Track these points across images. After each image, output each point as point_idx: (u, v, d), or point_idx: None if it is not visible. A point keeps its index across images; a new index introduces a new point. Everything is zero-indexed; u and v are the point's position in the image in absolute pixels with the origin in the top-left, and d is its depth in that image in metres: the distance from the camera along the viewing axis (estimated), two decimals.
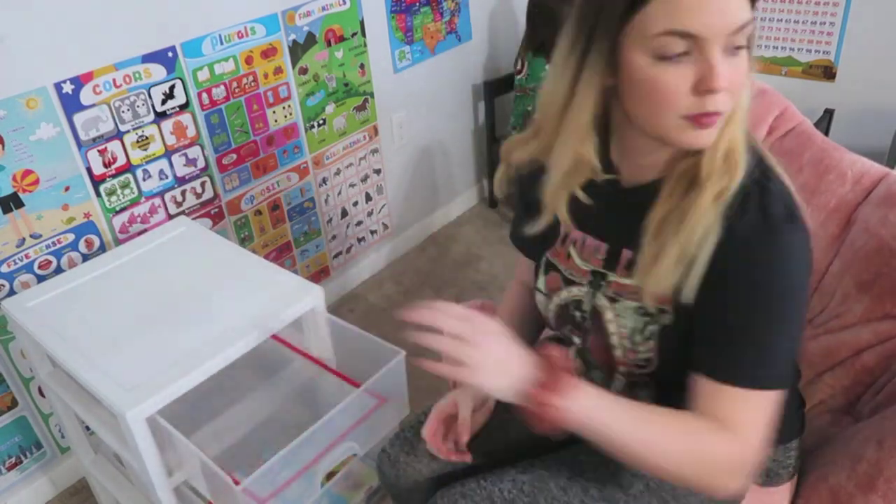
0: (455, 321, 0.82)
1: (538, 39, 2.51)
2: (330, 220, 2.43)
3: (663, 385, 0.94)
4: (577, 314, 0.99)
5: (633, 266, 0.89)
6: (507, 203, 2.32)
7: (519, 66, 2.59)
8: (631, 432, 0.81)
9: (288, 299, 1.35)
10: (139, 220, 1.85)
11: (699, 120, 0.76)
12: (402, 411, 1.38)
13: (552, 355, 0.84)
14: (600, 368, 1.02)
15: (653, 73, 0.75)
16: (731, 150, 0.80)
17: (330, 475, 1.33)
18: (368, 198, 2.56)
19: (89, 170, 1.70)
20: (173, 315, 1.34)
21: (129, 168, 1.78)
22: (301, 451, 1.19)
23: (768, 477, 1.06)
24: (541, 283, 1.04)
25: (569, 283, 0.99)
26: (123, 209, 1.81)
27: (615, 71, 0.78)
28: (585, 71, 0.79)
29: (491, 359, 0.81)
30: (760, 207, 0.78)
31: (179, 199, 1.93)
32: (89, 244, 1.75)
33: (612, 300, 0.93)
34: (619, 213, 0.90)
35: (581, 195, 0.91)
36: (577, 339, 1.02)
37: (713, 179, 0.80)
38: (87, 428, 1.60)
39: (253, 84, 2.00)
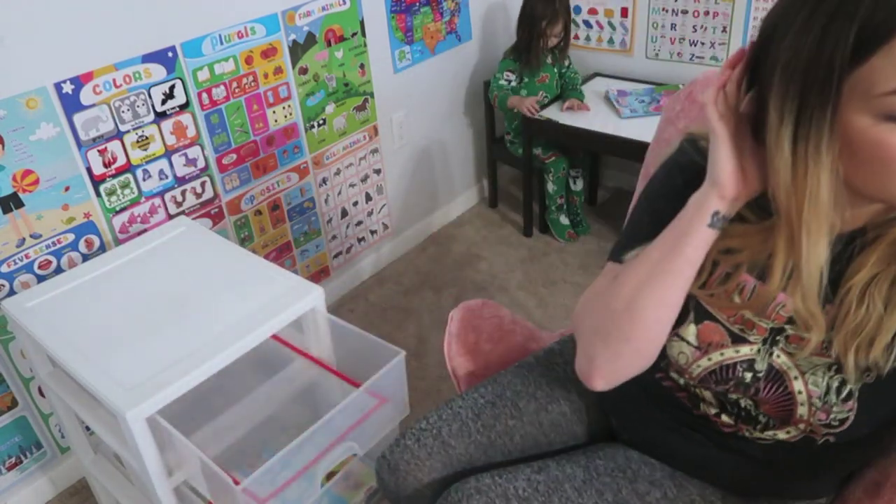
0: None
1: (517, 42, 2.65)
2: (330, 220, 2.43)
3: (854, 439, 0.85)
4: (749, 375, 0.87)
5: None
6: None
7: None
8: None
9: (288, 299, 1.35)
10: (139, 220, 1.85)
11: None
12: (402, 411, 1.38)
13: None
14: (769, 422, 0.90)
15: (881, 136, 0.65)
16: None
17: (330, 476, 1.33)
18: (368, 198, 2.55)
19: (89, 170, 1.70)
20: (173, 315, 1.34)
21: (129, 168, 1.78)
22: (301, 451, 1.19)
23: None
24: (689, 333, 0.90)
25: (738, 339, 0.87)
26: (123, 209, 1.80)
27: (835, 133, 0.67)
28: (808, 143, 0.68)
29: None
30: None
31: (179, 199, 1.93)
32: (89, 244, 1.75)
33: (791, 355, 0.84)
34: None
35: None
36: (738, 398, 0.91)
37: None
38: (87, 428, 1.60)
39: (253, 84, 2.00)
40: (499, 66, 2.66)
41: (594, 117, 2.51)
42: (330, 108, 2.26)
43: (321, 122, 2.25)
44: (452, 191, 2.97)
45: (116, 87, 1.69)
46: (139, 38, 1.71)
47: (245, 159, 2.06)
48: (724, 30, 2.49)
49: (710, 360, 0.89)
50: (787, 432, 0.88)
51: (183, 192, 1.93)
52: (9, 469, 1.77)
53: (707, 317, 0.89)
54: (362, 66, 2.32)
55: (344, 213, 2.48)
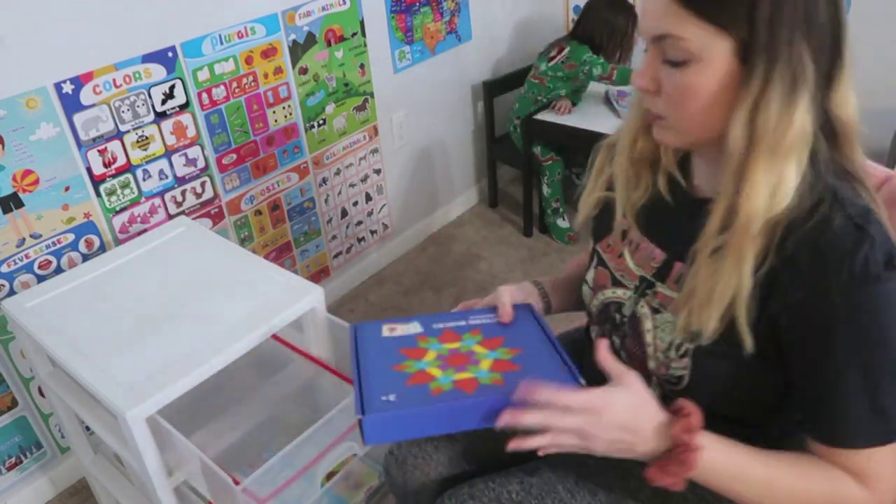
0: (562, 419, 0.75)
1: (586, 36, 2.53)
2: (330, 220, 2.43)
3: (698, 404, 0.87)
4: (617, 316, 0.96)
5: (681, 281, 0.85)
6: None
7: (554, 53, 2.57)
8: (766, 480, 0.77)
9: (288, 299, 1.35)
10: (139, 220, 1.85)
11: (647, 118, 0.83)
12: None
13: (682, 406, 0.79)
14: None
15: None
16: (777, 184, 0.73)
17: (330, 476, 1.33)
18: (368, 198, 2.56)
19: (89, 170, 1.70)
20: (173, 315, 1.34)
21: (129, 168, 1.78)
22: (301, 451, 1.19)
23: None
24: (589, 277, 1.02)
25: (616, 283, 0.97)
26: (123, 209, 1.80)
27: None
28: None
29: (614, 434, 0.76)
30: (862, 256, 0.71)
31: (179, 199, 1.93)
32: (89, 244, 1.75)
33: (655, 311, 0.90)
34: (681, 222, 0.86)
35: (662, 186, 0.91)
36: (615, 340, 0.98)
37: (747, 225, 0.74)
38: (87, 428, 1.60)
39: (253, 84, 2.00)
40: (579, 50, 2.50)
41: (594, 117, 2.51)
42: (330, 108, 2.27)
43: (321, 122, 2.25)
44: (452, 191, 2.97)
45: (116, 87, 1.69)
46: (139, 38, 1.71)
47: (245, 159, 2.07)
48: None
49: (597, 299, 1.00)
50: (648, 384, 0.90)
51: (183, 192, 1.93)
52: (9, 469, 1.77)
53: (601, 263, 1.00)
54: (362, 66, 2.32)
55: (344, 213, 2.48)
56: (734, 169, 0.75)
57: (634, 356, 0.94)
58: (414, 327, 1.00)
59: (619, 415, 0.76)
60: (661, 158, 0.92)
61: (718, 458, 0.77)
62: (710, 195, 0.84)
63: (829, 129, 0.77)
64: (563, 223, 2.77)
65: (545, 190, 2.73)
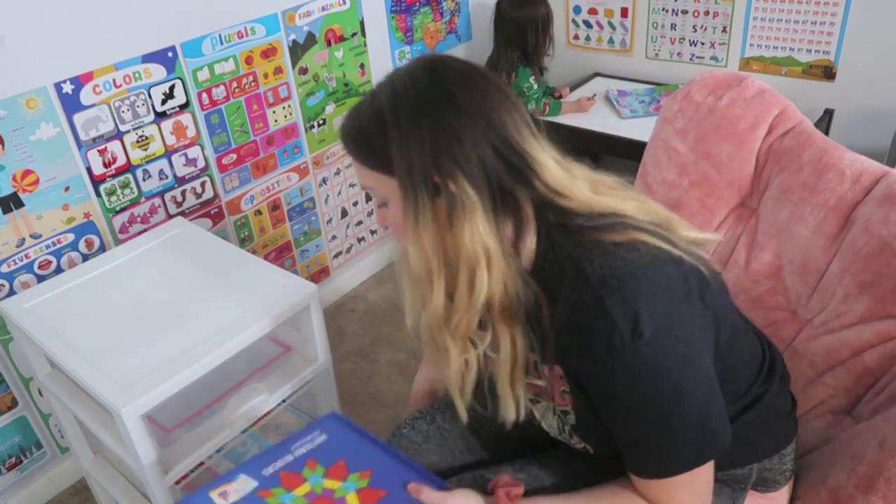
0: None
1: (518, 49, 2.54)
2: (330, 220, 2.43)
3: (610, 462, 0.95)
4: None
5: (539, 369, 0.93)
6: None
7: (506, 79, 2.54)
8: None
9: (283, 297, 1.36)
10: (139, 220, 1.85)
11: None
12: (311, 361, 1.44)
13: (500, 500, 0.90)
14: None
15: None
16: (465, 292, 0.83)
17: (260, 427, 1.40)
18: (369, 198, 2.55)
19: (89, 170, 1.70)
20: (170, 314, 1.35)
21: (129, 168, 1.78)
22: (207, 389, 1.29)
23: (766, 485, 1.06)
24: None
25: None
26: (123, 209, 1.81)
27: None
28: None
29: None
30: (605, 333, 0.77)
31: (179, 199, 1.93)
32: (89, 244, 1.75)
33: (534, 401, 0.98)
34: None
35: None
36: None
37: (430, 330, 0.89)
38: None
39: (253, 84, 2.00)
40: (522, 76, 2.53)
41: (594, 117, 2.51)
42: (330, 108, 2.27)
43: (321, 122, 2.25)
44: None
45: (116, 87, 1.69)
46: (139, 38, 1.71)
47: (245, 159, 2.07)
48: (724, 30, 2.49)
49: None
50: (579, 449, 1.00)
51: (183, 192, 1.93)
52: (9, 469, 1.77)
53: None
54: (362, 66, 2.32)
55: (344, 213, 2.48)
56: (423, 285, 0.86)
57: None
58: (247, 483, 0.93)
59: None
60: None
61: None
62: None
63: (555, 210, 0.84)
64: None
65: None
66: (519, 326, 0.86)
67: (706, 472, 0.85)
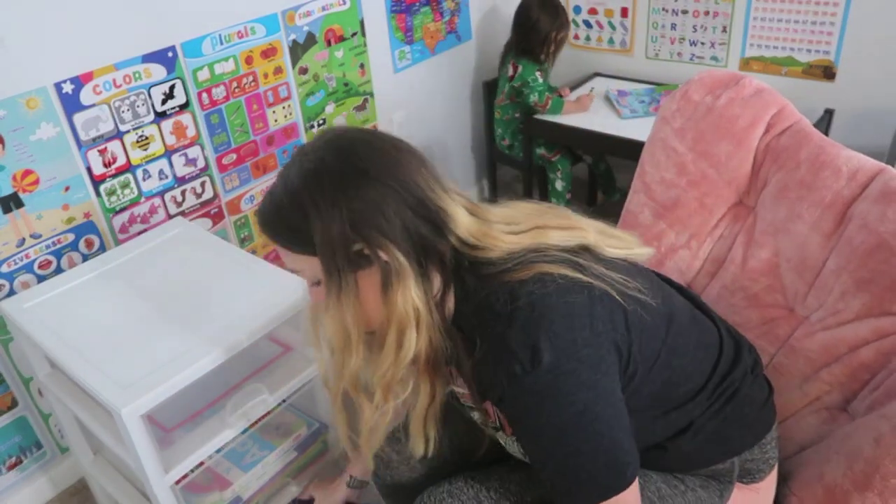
0: None
1: (522, 45, 2.55)
2: None
3: None
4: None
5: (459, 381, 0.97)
6: None
7: (511, 72, 2.57)
8: None
9: (283, 297, 1.36)
10: (139, 220, 1.85)
11: None
12: (311, 361, 1.43)
13: None
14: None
15: None
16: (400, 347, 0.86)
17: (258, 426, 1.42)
18: None
19: (89, 170, 1.71)
20: (170, 314, 1.35)
21: (129, 168, 1.79)
22: (208, 389, 1.31)
23: (752, 475, 1.06)
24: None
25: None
26: (123, 209, 1.81)
27: None
28: None
29: None
30: (505, 362, 0.80)
31: (179, 199, 1.93)
32: (89, 244, 1.76)
33: (495, 429, 1.02)
34: None
35: None
36: None
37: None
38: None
39: (253, 84, 2.00)
40: (527, 70, 2.51)
41: (594, 117, 2.51)
42: (330, 108, 2.27)
43: (321, 121, 2.26)
44: None
45: (116, 87, 1.69)
46: (139, 38, 1.71)
47: (245, 159, 2.07)
48: (724, 30, 2.49)
49: None
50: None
51: (183, 192, 1.94)
52: (9, 469, 1.77)
53: None
54: (362, 65, 2.32)
55: None
56: (339, 352, 0.90)
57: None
58: None
59: None
60: None
61: None
62: None
63: (468, 258, 0.87)
64: None
65: (559, 185, 2.69)
66: (440, 376, 0.91)
67: (633, 493, 0.84)
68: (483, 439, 1.13)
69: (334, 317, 0.86)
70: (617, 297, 0.84)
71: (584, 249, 0.89)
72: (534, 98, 2.49)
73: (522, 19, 2.54)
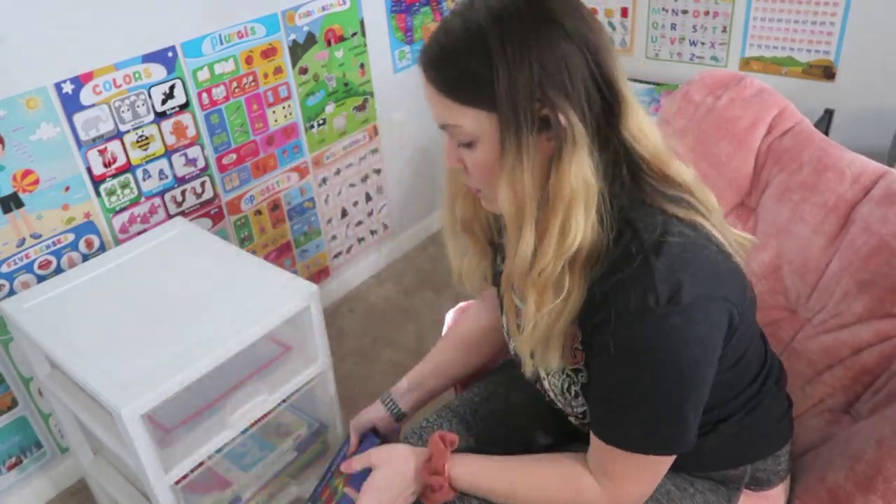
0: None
1: None
2: (330, 220, 2.43)
3: None
4: (527, 373, 0.99)
5: None
6: None
7: None
8: (510, 487, 0.93)
9: (282, 297, 1.36)
10: (139, 220, 1.85)
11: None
12: (311, 360, 1.44)
13: (434, 444, 0.96)
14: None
15: None
16: (562, 234, 0.78)
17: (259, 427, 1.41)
18: (368, 198, 2.56)
19: (89, 170, 1.70)
20: (170, 314, 1.35)
21: (129, 168, 1.78)
22: (207, 389, 1.30)
23: (760, 485, 1.06)
24: (503, 322, 1.04)
25: (510, 333, 1.01)
26: (123, 209, 1.81)
27: None
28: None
29: (388, 497, 0.97)
30: (642, 288, 0.75)
31: (179, 199, 1.93)
32: (89, 244, 1.76)
33: None
34: None
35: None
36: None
37: (516, 276, 0.82)
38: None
39: (253, 84, 2.00)
40: None
41: None
42: (330, 108, 2.27)
43: (321, 121, 2.25)
44: None
45: (116, 87, 1.69)
46: (139, 38, 1.71)
47: (245, 159, 2.07)
48: (724, 30, 2.49)
49: (510, 346, 1.05)
50: (574, 422, 1.00)
51: (183, 192, 1.93)
52: (9, 469, 1.77)
53: (503, 310, 1.01)
54: (362, 65, 2.32)
55: (344, 213, 2.48)
56: (510, 230, 0.80)
57: (550, 400, 1.01)
58: None
59: (384, 487, 0.97)
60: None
61: (464, 483, 0.95)
62: None
63: (630, 162, 0.80)
64: None
65: None
66: (586, 279, 0.80)
67: (663, 465, 0.85)
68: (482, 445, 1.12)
69: (509, 183, 0.76)
70: (746, 278, 0.83)
71: (711, 213, 0.85)
72: None
73: None
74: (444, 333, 1.38)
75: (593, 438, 0.87)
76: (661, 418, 0.81)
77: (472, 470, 0.95)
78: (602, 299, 0.78)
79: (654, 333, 0.76)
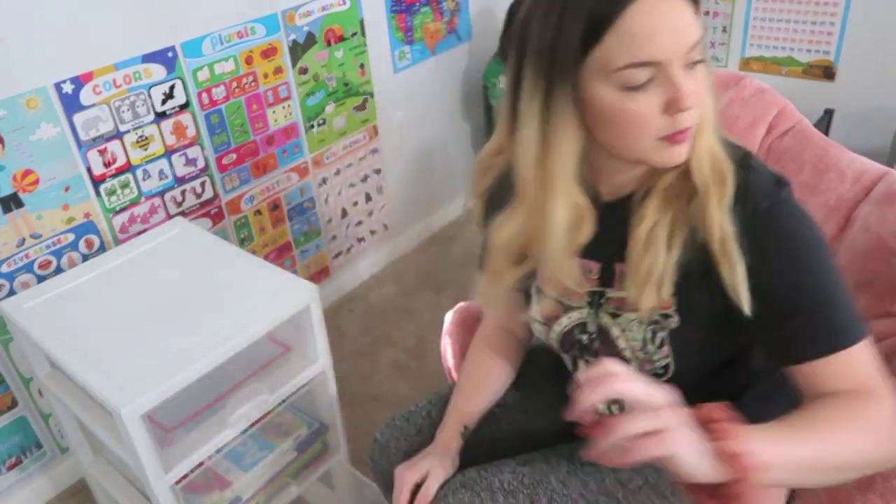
0: (638, 423, 0.68)
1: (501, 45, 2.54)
2: (330, 220, 2.43)
3: (683, 390, 0.84)
4: (584, 337, 0.98)
5: (624, 279, 0.90)
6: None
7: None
8: (818, 448, 0.74)
9: (283, 298, 1.36)
10: (139, 220, 1.85)
11: (673, 138, 0.78)
12: (311, 361, 1.44)
13: (711, 411, 0.72)
14: None
15: (622, 104, 0.76)
16: (714, 159, 0.82)
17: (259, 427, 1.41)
18: (368, 198, 2.56)
19: (89, 170, 1.70)
20: (170, 314, 1.35)
21: (129, 168, 1.78)
22: (207, 390, 1.29)
23: None
24: (535, 312, 1.02)
25: (567, 308, 0.98)
26: (123, 209, 1.81)
27: (580, 107, 0.78)
28: (554, 117, 0.78)
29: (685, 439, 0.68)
30: (757, 188, 0.81)
31: (179, 199, 1.93)
32: (89, 244, 1.76)
33: (615, 316, 0.93)
34: (603, 228, 0.89)
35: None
36: (587, 360, 1.02)
37: (711, 189, 0.81)
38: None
39: (253, 84, 2.00)
40: (491, 71, 2.54)
41: None
42: (330, 108, 2.27)
43: (321, 121, 2.25)
44: (452, 191, 2.97)
45: (116, 87, 1.69)
46: (139, 38, 1.71)
47: (245, 159, 2.07)
48: (724, 30, 2.49)
49: (555, 331, 1.01)
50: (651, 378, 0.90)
51: (183, 192, 1.93)
52: (9, 469, 1.77)
53: (544, 296, 1.00)
54: (362, 65, 2.32)
55: (344, 213, 2.48)
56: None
57: (620, 360, 0.95)
58: None
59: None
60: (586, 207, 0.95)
61: (770, 461, 0.69)
62: (617, 197, 0.89)
63: None
64: None
65: None
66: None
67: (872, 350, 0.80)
68: (485, 441, 1.12)
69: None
70: None
71: None
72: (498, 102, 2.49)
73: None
74: (444, 334, 1.38)
75: (816, 368, 0.79)
76: (844, 295, 0.81)
77: (770, 443, 0.71)
78: (740, 220, 0.80)
79: (790, 216, 0.81)
